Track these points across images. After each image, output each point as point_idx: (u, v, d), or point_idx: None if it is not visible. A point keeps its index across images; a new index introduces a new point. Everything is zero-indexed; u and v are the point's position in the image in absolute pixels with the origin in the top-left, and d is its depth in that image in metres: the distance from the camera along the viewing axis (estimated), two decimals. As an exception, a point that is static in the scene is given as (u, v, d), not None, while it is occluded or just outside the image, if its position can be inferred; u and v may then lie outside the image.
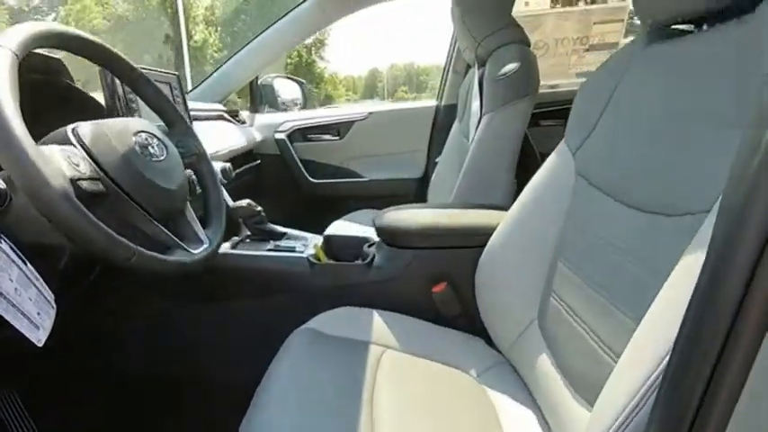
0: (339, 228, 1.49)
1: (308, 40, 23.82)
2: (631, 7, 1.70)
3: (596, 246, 0.62)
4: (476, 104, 1.23)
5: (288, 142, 1.74)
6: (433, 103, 1.77)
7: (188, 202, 0.69)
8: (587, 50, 1.64)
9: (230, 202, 1.17)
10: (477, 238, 0.91)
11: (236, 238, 1.13)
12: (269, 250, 1.00)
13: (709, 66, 0.51)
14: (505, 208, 1.16)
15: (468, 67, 1.61)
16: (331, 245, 1.14)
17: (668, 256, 0.46)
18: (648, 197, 0.53)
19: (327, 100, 27.77)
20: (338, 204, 1.75)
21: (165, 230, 0.60)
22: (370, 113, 1.76)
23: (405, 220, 0.97)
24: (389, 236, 0.98)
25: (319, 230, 1.53)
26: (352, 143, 1.78)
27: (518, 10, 1.52)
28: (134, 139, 0.60)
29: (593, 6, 1.56)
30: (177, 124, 0.77)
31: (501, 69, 1.10)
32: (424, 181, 1.76)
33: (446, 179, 1.50)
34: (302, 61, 22.86)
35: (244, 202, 1.06)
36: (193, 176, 0.80)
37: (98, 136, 0.55)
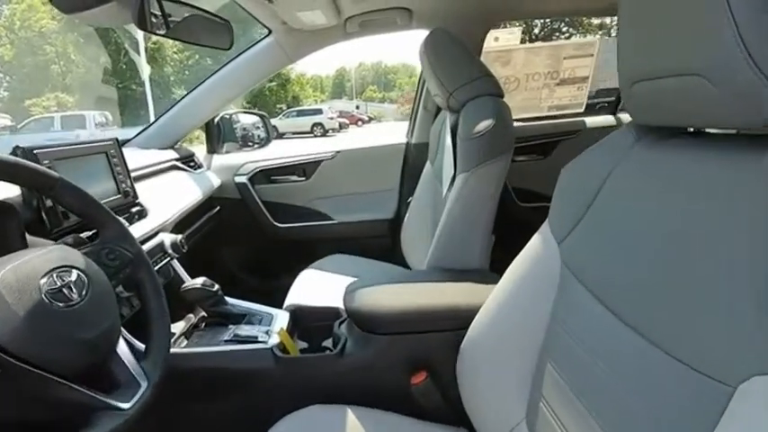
0: (309, 284, 1.39)
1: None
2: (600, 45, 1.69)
3: (585, 357, 0.55)
4: (448, 156, 1.16)
5: (249, 186, 1.62)
6: (402, 140, 1.70)
7: (121, 338, 0.58)
8: (558, 85, 1.61)
9: (185, 278, 1.05)
10: (457, 321, 0.84)
11: (191, 317, 1.02)
12: (227, 341, 0.89)
13: (709, 186, 0.44)
14: (483, 271, 1.11)
15: (439, 107, 1.55)
16: (298, 321, 1.04)
17: (671, 402, 0.40)
18: (646, 322, 0.46)
19: (295, 101, 27.35)
20: (306, 249, 1.64)
21: (87, 391, 0.49)
22: (338, 152, 1.67)
23: (379, 304, 0.89)
24: (362, 321, 0.89)
25: (288, 278, 1.44)
26: (319, 184, 1.68)
27: (488, 46, 1.46)
28: (42, 282, 0.49)
29: (563, 42, 1.51)
30: (108, 228, 0.66)
31: (475, 126, 1.03)
32: (395, 222, 1.68)
33: (420, 223, 1.43)
34: (267, 63, 22.26)
35: (198, 282, 0.95)
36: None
37: None
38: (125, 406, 0.52)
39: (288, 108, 21.99)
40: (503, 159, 1.03)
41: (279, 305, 1.31)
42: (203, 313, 0.99)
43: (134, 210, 0.97)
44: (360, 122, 23.51)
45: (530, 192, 1.64)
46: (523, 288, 0.73)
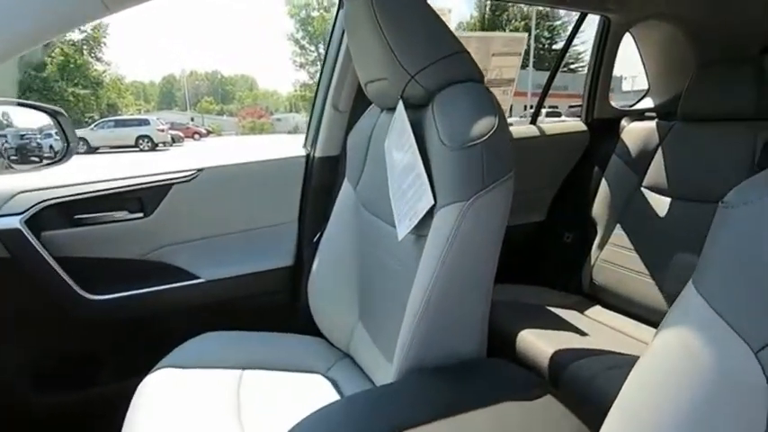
0: (164, 408, 0.77)
1: (76, 37, 19.37)
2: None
3: None
4: (407, 177, 0.73)
5: (27, 233, 0.90)
6: (300, 152, 1.19)
7: None
8: (485, 87, 1.35)
9: None
10: None
11: None
12: None
13: None
14: (485, 360, 0.70)
15: (358, 102, 1.11)
16: None
17: None
18: None
19: (112, 109, 23.26)
20: (155, 331, 1.00)
21: None
22: (200, 171, 1.06)
23: None
24: None
25: (121, 389, 0.79)
26: (168, 222, 1.04)
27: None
28: None
29: (492, 34, 1.24)
30: None
31: (469, 129, 0.63)
32: (296, 271, 1.16)
33: (340, 277, 0.96)
34: (69, 62, 18.40)
35: None
36: None
37: None
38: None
39: (102, 118, 18.43)
40: (512, 178, 0.65)
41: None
42: None
43: None
44: (197, 135, 21.23)
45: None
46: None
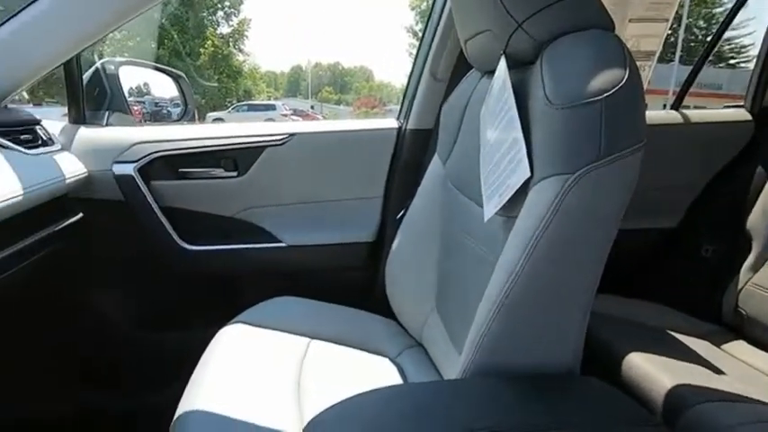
0: (230, 361, 0.79)
1: (224, 30, 21.97)
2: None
3: None
4: (503, 145, 0.61)
5: (139, 180, 0.98)
6: (392, 124, 1.13)
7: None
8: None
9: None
10: None
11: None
12: None
13: None
14: (581, 379, 0.56)
15: (457, 71, 1.01)
16: None
17: None
18: None
19: (247, 95, 26.13)
20: (236, 286, 1.04)
21: None
22: (292, 135, 1.07)
23: None
24: None
25: (201, 335, 0.83)
26: (259, 184, 1.07)
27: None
28: None
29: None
30: None
31: (585, 84, 0.50)
32: (377, 248, 1.12)
33: (419, 258, 0.89)
34: (218, 53, 21.00)
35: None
36: None
37: None
38: None
39: (238, 102, 20.81)
40: (640, 153, 0.51)
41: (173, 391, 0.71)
42: None
43: None
44: (315, 122, 22.80)
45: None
46: None
